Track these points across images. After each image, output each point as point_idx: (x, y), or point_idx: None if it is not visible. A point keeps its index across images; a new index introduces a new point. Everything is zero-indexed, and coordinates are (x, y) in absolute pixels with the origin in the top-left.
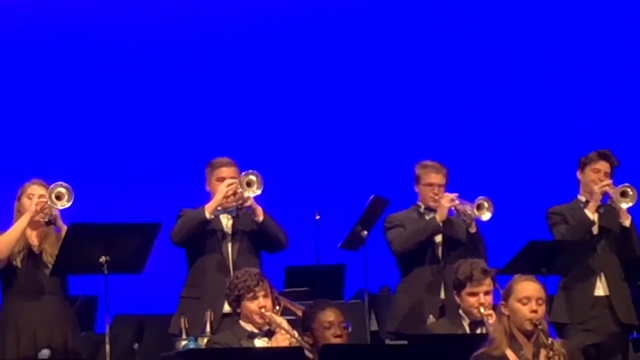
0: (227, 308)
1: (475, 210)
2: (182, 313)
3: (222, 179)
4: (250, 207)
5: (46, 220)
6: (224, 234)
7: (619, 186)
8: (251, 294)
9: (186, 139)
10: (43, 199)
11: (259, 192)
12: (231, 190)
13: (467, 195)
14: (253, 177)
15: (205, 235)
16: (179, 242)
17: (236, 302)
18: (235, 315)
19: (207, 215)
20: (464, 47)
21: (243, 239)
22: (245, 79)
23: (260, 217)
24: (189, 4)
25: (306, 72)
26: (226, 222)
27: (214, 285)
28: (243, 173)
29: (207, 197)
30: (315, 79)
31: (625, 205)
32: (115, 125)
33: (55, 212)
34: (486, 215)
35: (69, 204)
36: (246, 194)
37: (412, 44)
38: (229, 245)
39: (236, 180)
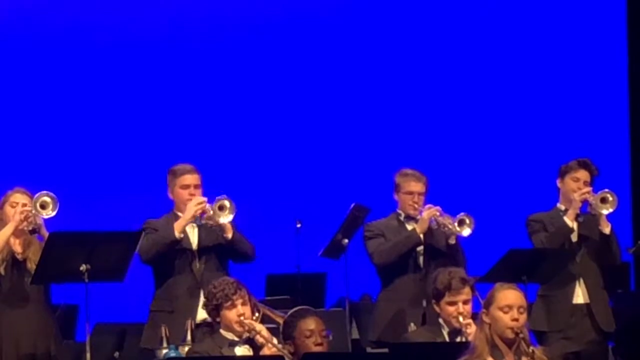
0: (200, 317)
1: (456, 226)
2: (154, 326)
3: (185, 187)
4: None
5: (30, 228)
6: (192, 252)
7: (599, 192)
8: (229, 303)
9: (166, 148)
10: (27, 208)
11: (231, 217)
12: (200, 209)
13: (446, 204)
14: (226, 203)
15: (174, 253)
16: (147, 260)
17: (215, 311)
18: (215, 324)
19: (177, 235)
20: (444, 57)
21: (210, 256)
22: (228, 87)
23: (229, 234)
24: (157, 20)
25: (288, 81)
26: (193, 238)
27: (183, 301)
28: (216, 198)
29: (170, 204)
30: (297, 88)
31: (605, 211)
32: (97, 135)
33: (40, 221)
34: (467, 231)
35: (53, 213)
36: (220, 220)
37: (393, 53)
38: (197, 262)
39: (204, 200)
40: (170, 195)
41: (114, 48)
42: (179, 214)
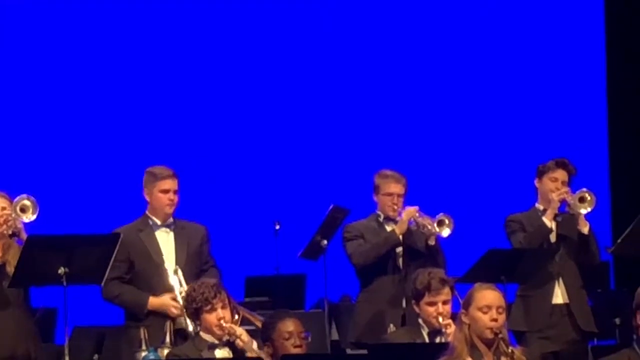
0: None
1: (435, 226)
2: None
3: (165, 191)
4: None
5: (9, 232)
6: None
7: (577, 192)
8: (209, 306)
9: (144, 150)
10: (7, 212)
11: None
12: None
13: (425, 204)
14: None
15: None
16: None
17: (195, 314)
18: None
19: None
20: (423, 60)
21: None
22: (207, 90)
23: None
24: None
25: (267, 84)
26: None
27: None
28: None
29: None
30: (276, 91)
31: (584, 210)
32: (74, 139)
33: (19, 225)
34: (446, 232)
35: (34, 217)
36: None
37: (371, 57)
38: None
39: None
40: (147, 197)
41: (95, 50)
42: (152, 216)
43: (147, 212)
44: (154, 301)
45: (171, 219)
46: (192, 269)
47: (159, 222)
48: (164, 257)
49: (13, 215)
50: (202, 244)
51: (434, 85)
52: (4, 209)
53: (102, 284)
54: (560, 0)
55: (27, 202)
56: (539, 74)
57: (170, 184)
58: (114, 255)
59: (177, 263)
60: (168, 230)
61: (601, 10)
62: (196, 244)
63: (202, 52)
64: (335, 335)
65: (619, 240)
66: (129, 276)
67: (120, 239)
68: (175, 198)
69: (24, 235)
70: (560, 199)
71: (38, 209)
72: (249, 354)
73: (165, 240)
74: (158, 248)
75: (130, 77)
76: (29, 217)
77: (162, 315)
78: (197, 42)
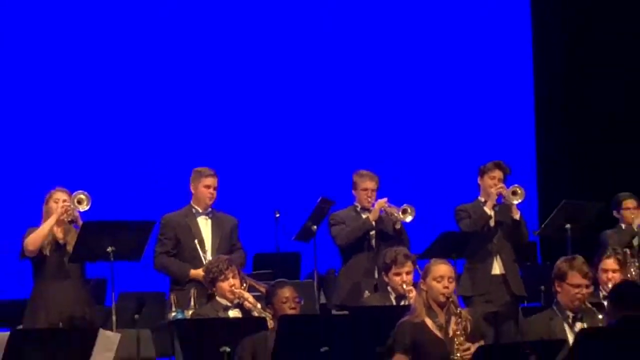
0: None
1: (401, 214)
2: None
3: (207, 187)
4: None
5: (69, 219)
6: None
7: (510, 187)
8: (223, 276)
9: (166, 146)
10: (67, 203)
11: None
12: None
13: (393, 197)
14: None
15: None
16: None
17: (211, 283)
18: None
19: (192, 273)
20: (390, 74)
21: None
22: (220, 91)
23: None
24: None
25: (269, 89)
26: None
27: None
28: None
29: (190, 196)
30: (277, 99)
31: (516, 201)
32: (119, 144)
33: (76, 214)
34: (409, 218)
35: (87, 208)
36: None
37: (352, 70)
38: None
39: None
40: (192, 190)
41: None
42: (195, 206)
43: (191, 202)
44: (193, 272)
45: (210, 209)
46: (223, 249)
47: (200, 211)
48: (203, 238)
49: (72, 206)
50: (232, 231)
51: (403, 99)
52: (64, 201)
53: (154, 257)
54: (490, 15)
55: (82, 196)
56: (479, 92)
57: (212, 181)
58: (153, 235)
59: (212, 244)
60: (207, 217)
61: (528, 20)
62: (227, 230)
63: (210, 50)
64: (323, 300)
65: (543, 225)
66: (175, 251)
67: (155, 225)
68: (215, 193)
69: (80, 222)
70: (498, 193)
71: (91, 201)
72: (255, 314)
73: (204, 225)
74: (198, 231)
75: (145, 76)
76: (84, 207)
77: (198, 282)
78: (205, 43)
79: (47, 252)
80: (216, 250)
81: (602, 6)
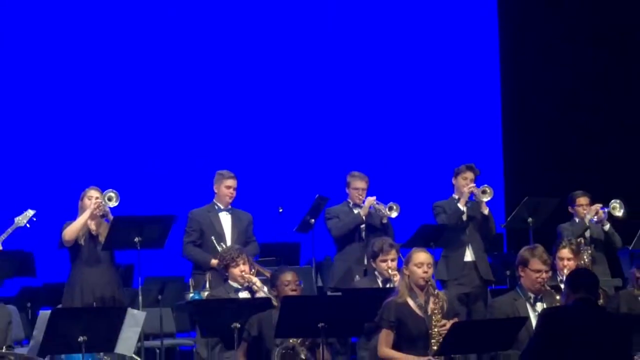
0: None
1: (387, 210)
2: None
3: (228, 187)
4: None
5: (101, 214)
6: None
7: (481, 187)
8: (234, 263)
9: (184, 148)
10: (99, 200)
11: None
12: None
13: (382, 195)
14: None
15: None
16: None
17: (224, 268)
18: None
19: (212, 262)
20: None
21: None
22: (229, 95)
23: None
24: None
25: (276, 106)
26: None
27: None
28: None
29: (213, 194)
30: (281, 113)
31: (485, 199)
32: (146, 146)
33: (107, 209)
34: (394, 214)
35: (116, 204)
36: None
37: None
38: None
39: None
40: (215, 189)
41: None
42: (217, 203)
43: (214, 200)
44: (214, 262)
45: (229, 206)
46: (240, 241)
47: (222, 207)
48: (224, 231)
49: (103, 202)
50: (248, 226)
51: (387, 111)
52: (97, 198)
53: (182, 246)
54: (459, 29)
55: (112, 194)
56: (451, 101)
57: (232, 183)
58: (175, 227)
59: (231, 236)
60: (227, 213)
61: (495, 26)
62: (244, 225)
63: (217, 52)
64: (319, 283)
65: (508, 219)
66: (199, 242)
67: (176, 219)
68: (234, 193)
69: (110, 216)
70: (469, 191)
71: (119, 198)
72: (261, 295)
73: (225, 220)
74: (220, 225)
75: (153, 78)
76: (114, 203)
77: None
78: (221, 43)
79: (82, 242)
80: (234, 241)
81: (567, 17)
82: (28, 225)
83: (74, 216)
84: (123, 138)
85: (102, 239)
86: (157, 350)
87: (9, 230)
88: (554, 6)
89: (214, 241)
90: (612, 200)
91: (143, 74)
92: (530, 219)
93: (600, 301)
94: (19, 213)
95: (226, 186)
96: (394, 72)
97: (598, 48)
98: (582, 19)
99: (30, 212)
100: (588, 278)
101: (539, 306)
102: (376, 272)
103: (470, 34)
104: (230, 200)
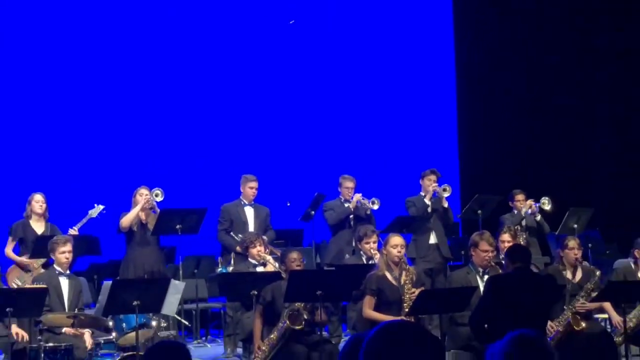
0: None
1: (370, 204)
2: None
3: (251, 188)
4: None
5: (150, 207)
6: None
7: (442, 186)
8: (252, 245)
9: (215, 154)
10: (148, 197)
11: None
12: None
13: (366, 192)
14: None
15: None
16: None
17: (245, 249)
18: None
19: (237, 249)
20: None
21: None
22: (243, 101)
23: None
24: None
25: (285, 122)
26: (251, 220)
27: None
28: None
29: (237, 191)
30: (290, 129)
31: (445, 195)
32: (186, 151)
33: (154, 203)
34: (376, 207)
35: (162, 199)
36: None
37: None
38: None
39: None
40: (241, 189)
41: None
42: (243, 199)
43: (241, 197)
44: (238, 248)
45: (253, 202)
46: (261, 229)
47: (246, 203)
48: (248, 221)
49: (151, 198)
50: (266, 217)
51: (371, 126)
52: (146, 195)
53: (217, 232)
54: (415, 45)
55: (158, 191)
56: (420, 117)
57: (254, 184)
58: (207, 217)
59: (253, 226)
60: (250, 207)
61: (451, 39)
62: (263, 216)
63: (228, 53)
64: (318, 260)
65: (463, 211)
66: (230, 229)
67: (206, 211)
68: (256, 192)
69: (157, 209)
70: (433, 190)
71: (164, 194)
72: (273, 269)
73: (249, 212)
74: (245, 216)
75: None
76: (160, 199)
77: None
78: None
79: (135, 228)
80: (256, 229)
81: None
82: (98, 217)
83: (128, 208)
84: (169, 146)
85: (150, 226)
86: (193, 312)
87: (84, 220)
88: (507, 14)
89: (234, 234)
90: (543, 197)
91: (190, 99)
92: (479, 211)
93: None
94: (91, 207)
95: (250, 187)
96: (373, 98)
97: (549, 56)
98: (532, 28)
99: (100, 207)
100: (523, 251)
101: (486, 278)
102: (361, 252)
103: (428, 52)
104: (253, 198)
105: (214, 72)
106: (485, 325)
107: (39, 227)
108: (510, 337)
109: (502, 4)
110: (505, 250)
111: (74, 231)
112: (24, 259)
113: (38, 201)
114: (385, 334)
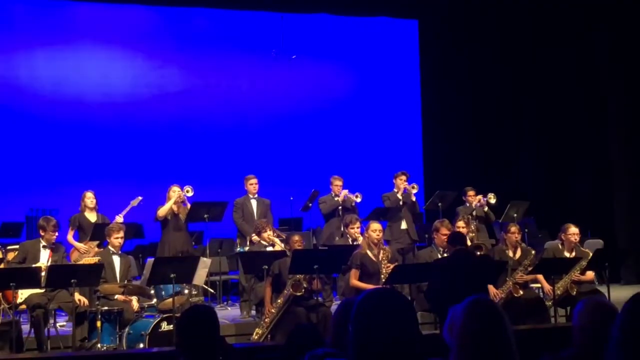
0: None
1: (355, 198)
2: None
3: (251, 184)
4: None
5: (181, 201)
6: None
7: (410, 184)
8: (264, 230)
9: (233, 159)
10: (179, 192)
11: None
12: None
13: (352, 187)
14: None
15: (249, 217)
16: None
17: (258, 233)
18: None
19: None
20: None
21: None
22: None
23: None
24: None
25: (286, 133)
26: (255, 209)
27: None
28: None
29: (244, 190)
30: (292, 136)
31: (413, 191)
32: (209, 155)
33: (184, 198)
34: (359, 200)
35: (192, 194)
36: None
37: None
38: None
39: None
40: (245, 187)
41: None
42: (249, 194)
43: (247, 193)
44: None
45: (256, 195)
46: (263, 216)
47: (251, 197)
48: (253, 210)
49: (182, 194)
50: (268, 207)
51: (354, 137)
52: (178, 191)
53: (233, 219)
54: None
55: (188, 188)
56: (396, 127)
57: (254, 181)
58: (228, 208)
59: (256, 214)
60: (255, 200)
61: (416, 61)
62: (266, 207)
63: (233, 69)
64: (314, 242)
65: (427, 204)
66: (243, 217)
67: (227, 204)
68: (257, 187)
69: (188, 203)
70: (403, 187)
71: (193, 190)
72: (280, 249)
73: (254, 204)
74: (251, 207)
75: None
76: (190, 194)
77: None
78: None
79: (169, 217)
80: (259, 217)
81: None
82: (137, 206)
83: (163, 202)
84: (196, 152)
85: (182, 217)
86: (217, 282)
87: (127, 209)
88: (466, 39)
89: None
90: (489, 193)
91: (212, 118)
92: (440, 204)
93: (483, 252)
94: (133, 198)
95: (250, 183)
96: (357, 116)
97: (504, 70)
98: (487, 51)
99: (139, 198)
100: (461, 237)
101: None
102: (348, 235)
103: (396, 76)
104: (255, 192)
105: (233, 97)
106: (437, 296)
107: (92, 217)
108: (469, 301)
109: (465, 29)
110: (446, 237)
111: (120, 217)
112: (81, 245)
113: (89, 197)
114: (370, 299)
